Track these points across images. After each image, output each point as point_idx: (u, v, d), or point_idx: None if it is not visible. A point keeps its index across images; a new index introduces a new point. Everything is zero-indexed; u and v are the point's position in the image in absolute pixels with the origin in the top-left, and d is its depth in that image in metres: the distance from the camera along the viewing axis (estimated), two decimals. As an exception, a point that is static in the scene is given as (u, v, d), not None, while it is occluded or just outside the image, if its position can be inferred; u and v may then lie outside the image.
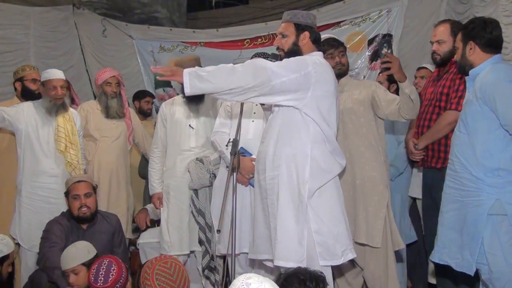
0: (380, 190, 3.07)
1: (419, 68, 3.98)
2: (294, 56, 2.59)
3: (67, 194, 3.30)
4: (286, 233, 2.46)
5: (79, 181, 3.29)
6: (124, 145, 4.09)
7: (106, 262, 2.56)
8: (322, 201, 2.51)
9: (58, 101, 3.63)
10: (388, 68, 2.80)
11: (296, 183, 2.49)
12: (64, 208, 3.40)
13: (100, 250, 3.10)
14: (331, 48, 3.18)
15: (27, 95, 3.83)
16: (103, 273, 2.50)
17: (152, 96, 5.29)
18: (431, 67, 3.75)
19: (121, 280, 2.52)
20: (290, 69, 2.45)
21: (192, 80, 2.37)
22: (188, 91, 2.38)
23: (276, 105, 2.61)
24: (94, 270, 2.54)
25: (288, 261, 2.41)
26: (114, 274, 2.51)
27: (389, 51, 2.83)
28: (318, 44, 2.71)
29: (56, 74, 3.65)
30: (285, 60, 2.53)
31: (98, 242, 3.19)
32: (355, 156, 3.09)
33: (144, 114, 4.99)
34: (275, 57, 3.21)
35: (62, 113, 3.66)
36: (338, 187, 2.62)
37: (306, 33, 2.63)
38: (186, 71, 2.38)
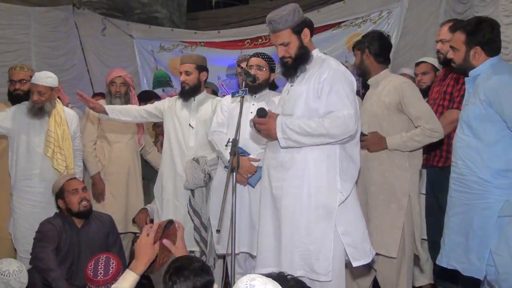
0: (398, 198, 2.94)
1: (417, 64, 3.83)
2: (304, 57, 2.55)
3: (60, 194, 3.25)
4: (321, 248, 2.44)
5: (72, 178, 3.31)
6: (137, 145, 4.17)
7: (104, 257, 2.59)
8: (345, 202, 2.49)
9: (35, 104, 3.59)
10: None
11: (327, 195, 2.45)
12: (52, 213, 3.33)
13: (95, 249, 3.12)
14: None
15: (9, 95, 3.84)
16: (103, 267, 2.53)
17: (158, 97, 5.21)
18: (433, 60, 3.68)
19: (120, 273, 2.53)
20: (355, 99, 2.51)
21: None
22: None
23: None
24: (92, 266, 2.55)
25: (320, 276, 2.44)
26: (114, 267, 2.54)
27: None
28: (312, 28, 2.65)
29: (37, 78, 3.57)
30: (343, 94, 2.46)
31: (93, 241, 3.21)
32: (374, 161, 2.98)
33: None
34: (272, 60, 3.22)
35: (38, 117, 3.59)
36: (355, 185, 2.60)
37: (306, 30, 2.56)
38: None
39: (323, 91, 2.48)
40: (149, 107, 3.65)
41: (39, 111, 3.59)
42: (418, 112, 2.90)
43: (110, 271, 2.52)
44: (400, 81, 3.03)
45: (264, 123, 2.51)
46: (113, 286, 1.84)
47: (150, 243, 2.06)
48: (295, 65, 2.58)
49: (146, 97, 5.06)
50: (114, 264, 2.55)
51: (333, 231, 2.44)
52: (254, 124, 2.56)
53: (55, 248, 3.08)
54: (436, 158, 3.12)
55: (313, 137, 2.42)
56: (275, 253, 2.55)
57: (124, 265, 2.77)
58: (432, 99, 3.24)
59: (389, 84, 3.00)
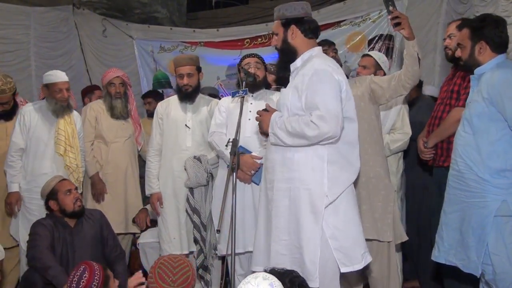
0: (386, 184, 3.07)
1: (363, 56, 3.71)
2: (285, 53, 2.54)
3: (52, 195, 3.21)
4: (308, 252, 2.38)
5: (63, 179, 3.30)
6: (134, 145, 4.15)
7: (81, 269, 2.59)
8: (335, 205, 2.41)
9: (63, 103, 3.66)
10: (399, 23, 2.70)
11: (312, 198, 2.39)
12: None
13: (90, 246, 3.16)
14: (325, 45, 3.23)
15: None
16: (76, 279, 2.54)
17: (154, 96, 5.17)
18: (378, 55, 3.65)
19: (95, 283, 2.56)
20: (337, 97, 2.36)
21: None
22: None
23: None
24: (71, 277, 2.59)
25: (308, 282, 2.33)
26: (84, 281, 2.55)
27: (394, 9, 2.74)
28: (315, 33, 2.57)
29: (60, 77, 3.66)
30: (321, 92, 2.35)
31: (87, 239, 3.20)
32: (360, 153, 3.03)
33: (149, 115, 4.90)
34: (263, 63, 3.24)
35: (66, 114, 3.67)
36: (351, 187, 2.51)
37: (293, 27, 2.50)
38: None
39: (303, 91, 2.41)
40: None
41: (68, 108, 3.70)
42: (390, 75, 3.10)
43: (80, 286, 2.55)
44: (362, 76, 3.33)
45: (261, 115, 2.55)
46: None
47: None
48: (281, 59, 2.59)
49: (144, 97, 5.11)
50: (86, 277, 2.56)
51: (320, 235, 2.36)
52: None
53: (49, 246, 3.06)
54: (442, 158, 3.10)
55: (292, 136, 2.38)
56: (265, 253, 2.53)
57: (104, 267, 2.78)
58: (440, 98, 3.24)
59: (352, 83, 3.05)
